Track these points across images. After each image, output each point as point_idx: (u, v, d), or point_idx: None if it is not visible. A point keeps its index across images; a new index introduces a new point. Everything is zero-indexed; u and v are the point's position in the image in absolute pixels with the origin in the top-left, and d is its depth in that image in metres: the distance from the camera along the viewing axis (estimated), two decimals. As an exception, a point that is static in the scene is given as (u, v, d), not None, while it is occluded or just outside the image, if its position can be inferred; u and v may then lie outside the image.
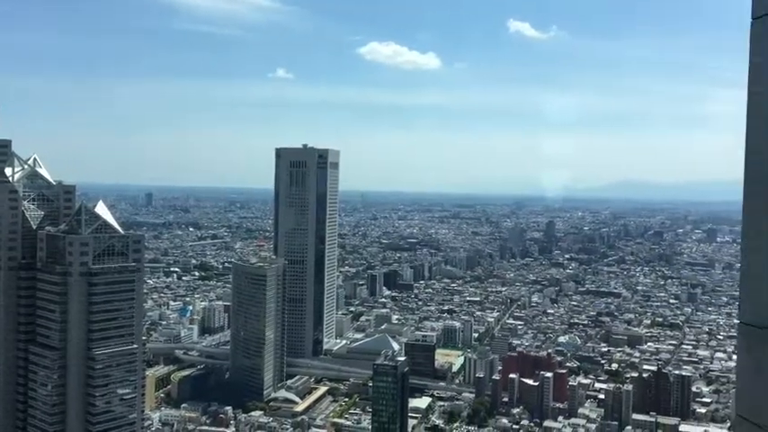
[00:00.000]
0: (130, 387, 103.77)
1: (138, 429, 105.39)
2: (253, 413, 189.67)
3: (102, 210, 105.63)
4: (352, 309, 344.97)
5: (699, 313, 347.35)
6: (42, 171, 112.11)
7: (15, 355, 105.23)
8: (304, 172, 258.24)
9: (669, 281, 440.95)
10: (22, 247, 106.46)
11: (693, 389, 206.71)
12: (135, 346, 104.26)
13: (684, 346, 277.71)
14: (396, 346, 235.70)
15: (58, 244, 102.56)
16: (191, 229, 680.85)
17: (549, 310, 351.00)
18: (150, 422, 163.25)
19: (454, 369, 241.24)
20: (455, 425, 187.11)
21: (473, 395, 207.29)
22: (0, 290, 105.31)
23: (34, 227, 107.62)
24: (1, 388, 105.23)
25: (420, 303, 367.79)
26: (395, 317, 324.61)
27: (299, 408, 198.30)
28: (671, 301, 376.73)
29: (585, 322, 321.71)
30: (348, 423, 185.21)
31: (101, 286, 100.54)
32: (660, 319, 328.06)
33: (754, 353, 6.61)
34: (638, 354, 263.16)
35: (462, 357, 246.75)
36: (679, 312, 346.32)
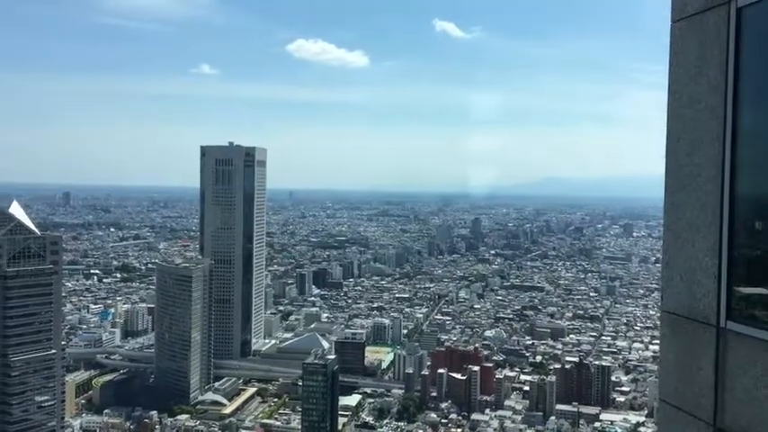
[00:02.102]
0: (49, 394, 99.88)
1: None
2: (179, 417, 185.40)
3: (16, 210, 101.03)
4: (281, 308, 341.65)
5: (617, 305, 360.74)
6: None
7: None
8: (230, 170, 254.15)
9: (589, 274, 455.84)
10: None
11: (613, 378, 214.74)
12: (54, 351, 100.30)
13: (604, 338, 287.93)
14: (325, 344, 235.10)
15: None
16: (112, 229, 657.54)
17: (475, 305, 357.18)
18: (71, 430, 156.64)
19: (384, 366, 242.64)
20: (385, 421, 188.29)
21: (403, 391, 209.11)
22: None
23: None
24: None
25: (349, 301, 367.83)
26: (324, 315, 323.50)
27: (228, 410, 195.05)
28: (591, 294, 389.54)
29: (511, 316, 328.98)
30: (278, 423, 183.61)
31: (16, 290, 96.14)
32: (581, 312, 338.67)
33: (675, 340, 6.93)
34: (560, 346, 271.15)
35: (392, 354, 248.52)
36: (599, 305, 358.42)
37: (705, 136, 6.63)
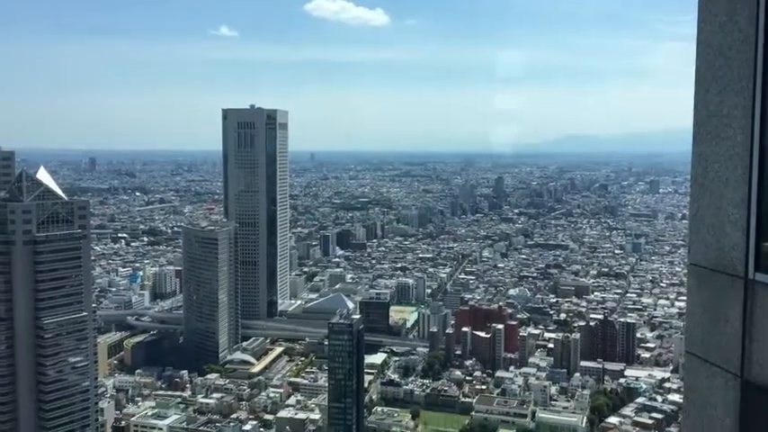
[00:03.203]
0: (82, 355, 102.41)
1: (91, 397, 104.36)
2: (209, 376, 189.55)
3: (43, 176, 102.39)
4: (305, 269, 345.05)
5: (643, 262, 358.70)
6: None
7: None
8: (252, 133, 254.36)
9: (614, 232, 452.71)
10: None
11: (638, 335, 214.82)
12: (85, 313, 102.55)
13: (629, 295, 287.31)
14: (350, 304, 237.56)
15: (0, 212, 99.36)
16: (137, 193, 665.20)
17: (499, 264, 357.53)
18: (104, 389, 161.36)
19: (408, 325, 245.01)
20: (410, 379, 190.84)
21: (427, 349, 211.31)
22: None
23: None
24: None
25: (373, 262, 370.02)
26: (348, 276, 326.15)
27: (256, 369, 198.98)
28: (616, 251, 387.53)
29: (535, 275, 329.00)
30: (305, 382, 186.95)
31: (46, 254, 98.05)
32: (606, 270, 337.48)
33: (702, 292, 6.89)
34: (584, 303, 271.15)
35: (416, 313, 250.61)
36: (624, 262, 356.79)
37: (735, 86, 6.49)
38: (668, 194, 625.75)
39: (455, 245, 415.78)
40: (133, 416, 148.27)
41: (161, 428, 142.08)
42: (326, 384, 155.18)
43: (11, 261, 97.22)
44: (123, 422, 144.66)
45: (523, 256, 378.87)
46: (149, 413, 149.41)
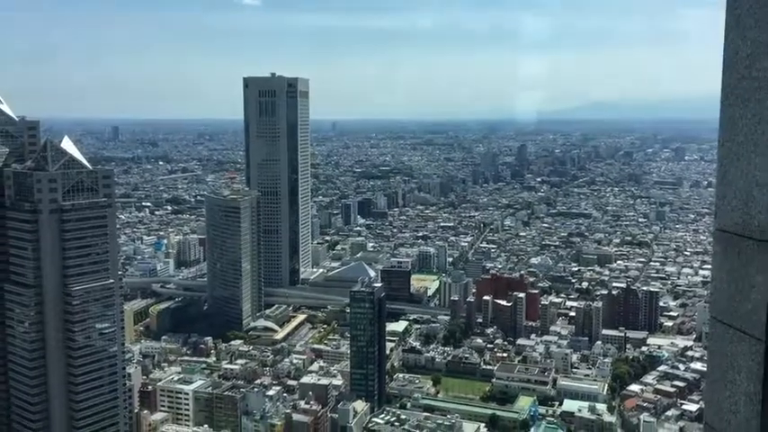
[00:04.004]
0: (109, 321, 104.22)
1: (119, 362, 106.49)
2: (233, 342, 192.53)
3: (68, 145, 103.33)
4: (327, 238, 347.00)
5: (667, 231, 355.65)
6: (4, 107, 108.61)
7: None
8: (273, 101, 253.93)
9: (638, 200, 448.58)
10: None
11: (661, 303, 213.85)
12: (111, 280, 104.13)
13: (653, 263, 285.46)
14: (372, 272, 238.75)
15: (26, 181, 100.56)
16: (160, 162, 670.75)
17: (521, 233, 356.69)
18: (131, 355, 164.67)
19: (429, 293, 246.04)
20: (431, 346, 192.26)
21: (448, 317, 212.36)
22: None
23: (0, 165, 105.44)
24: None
25: (395, 230, 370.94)
26: (370, 244, 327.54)
27: (279, 336, 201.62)
28: (640, 219, 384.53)
29: (557, 243, 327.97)
30: (327, 348, 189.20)
31: (72, 222, 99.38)
32: (629, 238, 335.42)
33: (728, 258, 6.82)
34: (607, 272, 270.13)
35: (437, 281, 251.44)
36: (648, 231, 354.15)
37: (765, 48, 6.32)
38: (694, 162, 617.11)
39: (477, 213, 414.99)
40: (159, 381, 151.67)
41: (187, 393, 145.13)
42: (348, 351, 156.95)
43: (38, 229, 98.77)
44: (150, 387, 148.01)
45: (546, 225, 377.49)
46: (175, 378, 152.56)
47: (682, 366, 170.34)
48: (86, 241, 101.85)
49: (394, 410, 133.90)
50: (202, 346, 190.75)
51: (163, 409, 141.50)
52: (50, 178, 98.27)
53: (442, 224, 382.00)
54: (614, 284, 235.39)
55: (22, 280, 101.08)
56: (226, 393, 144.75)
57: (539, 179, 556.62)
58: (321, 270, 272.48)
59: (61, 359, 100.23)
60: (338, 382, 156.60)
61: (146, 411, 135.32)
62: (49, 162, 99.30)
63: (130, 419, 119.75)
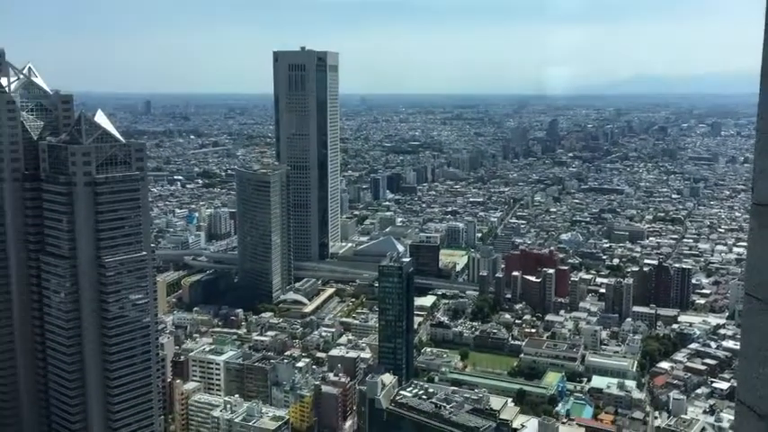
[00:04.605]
0: (142, 292, 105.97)
1: (152, 333, 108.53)
2: (263, 314, 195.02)
3: (101, 119, 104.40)
4: (356, 212, 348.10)
5: (701, 207, 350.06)
6: (38, 80, 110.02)
7: (27, 264, 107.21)
8: (303, 75, 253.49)
9: (672, 176, 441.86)
10: (25, 159, 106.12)
11: (693, 281, 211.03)
12: (144, 253, 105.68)
13: (686, 240, 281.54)
14: (400, 247, 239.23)
15: (61, 154, 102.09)
16: (191, 136, 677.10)
17: (551, 209, 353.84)
18: (164, 326, 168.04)
19: (458, 268, 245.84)
20: (459, 321, 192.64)
21: (477, 293, 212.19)
22: (6, 201, 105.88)
23: (35, 138, 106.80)
24: (16, 296, 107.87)
25: (423, 205, 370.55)
26: (399, 219, 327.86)
27: (308, 308, 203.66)
28: (673, 196, 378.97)
29: (588, 219, 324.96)
30: (356, 322, 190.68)
31: (106, 195, 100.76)
32: (662, 215, 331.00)
33: (765, 233, 6.60)
34: (639, 249, 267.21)
35: (466, 257, 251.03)
36: (681, 207, 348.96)
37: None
38: (730, 137, 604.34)
39: (506, 189, 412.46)
40: (191, 351, 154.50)
41: (218, 364, 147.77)
42: (377, 325, 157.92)
43: (73, 202, 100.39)
44: (182, 357, 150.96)
45: (577, 201, 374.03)
46: (207, 349, 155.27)
47: (713, 344, 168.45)
48: (119, 214, 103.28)
49: (422, 384, 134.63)
50: (233, 317, 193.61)
51: (195, 378, 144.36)
52: (84, 151, 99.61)
53: (471, 199, 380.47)
54: (646, 261, 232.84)
55: (58, 251, 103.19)
56: (256, 364, 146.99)
57: (570, 154, 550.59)
58: (350, 244, 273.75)
59: (96, 329, 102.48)
60: (366, 355, 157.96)
61: (178, 381, 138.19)
62: (83, 135, 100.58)
63: (163, 388, 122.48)
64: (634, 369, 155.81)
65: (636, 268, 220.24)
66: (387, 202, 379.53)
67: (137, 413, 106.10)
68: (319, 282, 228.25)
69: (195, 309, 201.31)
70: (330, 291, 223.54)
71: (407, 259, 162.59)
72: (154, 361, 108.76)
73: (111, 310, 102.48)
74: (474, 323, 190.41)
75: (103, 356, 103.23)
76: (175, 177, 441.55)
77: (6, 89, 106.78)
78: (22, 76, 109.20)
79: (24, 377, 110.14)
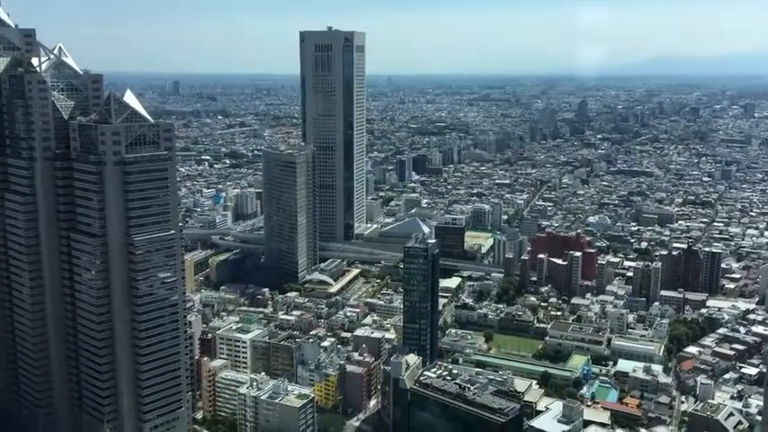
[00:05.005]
0: (170, 271, 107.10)
1: (180, 310, 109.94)
2: (289, 294, 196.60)
3: (130, 99, 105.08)
4: (381, 194, 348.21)
5: (732, 190, 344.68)
6: (69, 60, 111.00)
7: (58, 242, 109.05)
8: (330, 56, 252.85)
9: (703, 158, 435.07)
10: (56, 138, 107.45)
11: (723, 265, 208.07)
12: (172, 232, 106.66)
13: (716, 224, 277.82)
14: (426, 229, 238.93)
15: (91, 134, 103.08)
16: (219, 117, 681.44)
17: (579, 191, 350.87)
18: (192, 304, 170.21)
19: (483, 250, 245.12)
20: (484, 303, 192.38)
21: (502, 275, 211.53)
22: (38, 180, 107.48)
23: (66, 117, 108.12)
24: (47, 274, 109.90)
25: (449, 187, 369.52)
26: (424, 201, 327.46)
27: (333, 289, 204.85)
28: (704, 178, 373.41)
29: (616, 202, 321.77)
30: (380, 303, 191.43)
31: (135, 175, 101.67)
32: (692, 198, 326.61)
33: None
34: (668, 232, 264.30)
35: (491, 239, 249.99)
36: (712, 190, 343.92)
37: None
38: (764, 119, 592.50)
39: (533, 171, 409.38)
40: (218, 329, 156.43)
41: (245, 342, 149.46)
42: (401, 306, 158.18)
43: (103, 181, 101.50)
44: (209, 335, 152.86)
45: (605, 183, 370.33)
46: (233, 327, 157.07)
47: (742, 329, 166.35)
48: (148, 193, 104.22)
49: (446, 365, 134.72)
50: (260, 296, 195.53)
51: (222, 356, 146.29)
52: (114, 131, 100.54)
53: (497, 181, 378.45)
54: (675, 245, 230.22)
55: (88, 230, 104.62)
56: (282, 343, 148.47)
57: (599, 136, 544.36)
58: (375, 225, 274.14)
59: (125, 306, 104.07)
60: (391, 335, 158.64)
61: (206, 358, 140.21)
62: (113, 115, 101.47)
63: (191, 365, 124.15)
64: (661, 353, 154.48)
65: (664, 252, 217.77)
66: (412, 184, 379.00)
67: (165, 389, 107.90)
68: (344, 262, 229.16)
69: (222, 288, 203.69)
70: (355, 271, 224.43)
71: (432, 241, 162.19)
72: (182, 338, 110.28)
73: (141, 287, 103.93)
74: (499, 305, 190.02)
75: (133, 333, 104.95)
76: (203, 157, 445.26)
77: (37, 69, 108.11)
78: (52, 56, 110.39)
79: (56, 354, 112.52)
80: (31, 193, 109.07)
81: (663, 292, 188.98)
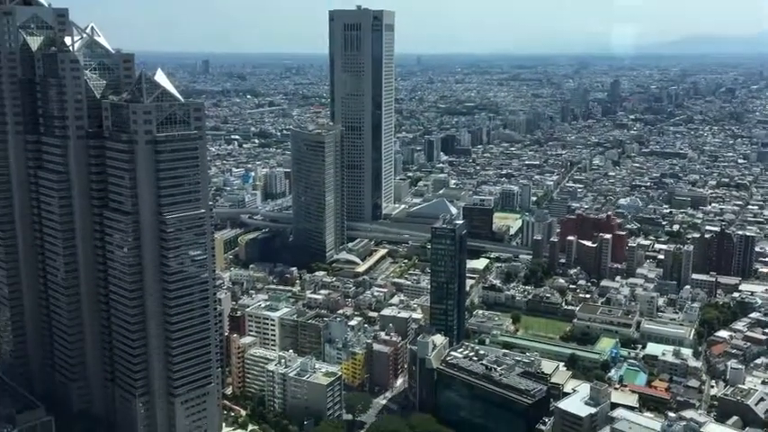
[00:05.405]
0: (201, 249, 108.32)
1: (210, 288, 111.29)
2: (317, 273, 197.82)
3: (161, 78, 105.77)
4: (409, 174, 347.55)
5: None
6: (101, 40, 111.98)
7: (92, 219, 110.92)
8: (359, 35, 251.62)
9: (739, 140, 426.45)
10: (89, 117, 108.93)
11: (757, 249, 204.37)
12: (202, 210, 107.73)
13: (750, 207, 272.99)
14: (453, 209, 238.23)
15: (122, 113, 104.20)
16: (248, 96, 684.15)
17: (610, 173, 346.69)
18: (221, 281, 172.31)
19: (511, 232, 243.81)
20: (512, 284, 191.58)
21: (530, 257, 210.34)
22: (71, 158, 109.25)
23: (98, 96, 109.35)
24: (81, 250, 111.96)
25: (478, 168, 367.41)
26: (452, 181, 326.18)
27: (361, 268, 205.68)
28: (739, 160, 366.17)
29: (648, 184, 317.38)
30: (408, 283, 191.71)
31: (166, 154, 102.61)
32: (726, 180, 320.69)
33: None
34: (701, 215, 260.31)
35: (520, 220, 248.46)
36: (747, 172, 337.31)
37: None
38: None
39: (564, 151, 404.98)
40: (247, 307, 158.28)
41: (273, 320, 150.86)
42: (428, 286, 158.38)
43: (134, 159, 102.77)
44: (239, 312, 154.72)
45: (637, 165, 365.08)
46: (262, 305, 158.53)
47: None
48: (179, 172, 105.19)
49: (472, 345, 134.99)
50: (288, 275, 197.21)
51: (251, 333, 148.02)
52: (145, 110, 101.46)
53: (526, 162, 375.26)
54: (708, 228, 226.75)
55: (121, 207, 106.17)
56: (310, 321, 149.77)
57: (632, 116, 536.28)
58: (403, 206, 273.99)
59: (157, 283, 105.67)
60: (418, 315, 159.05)
61: (235, 335, 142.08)
62: (144, 94, 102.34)
63: (221, 342, 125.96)
64: (691, 337, 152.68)
65: (697, 235, 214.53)
66: (440, 164, 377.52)
67: (196, 365, 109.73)
68: (372, 242, 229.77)
69: (251, 266, 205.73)
70: (382, 251, 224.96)
71: (460, 222, 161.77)
72: (212, 315, 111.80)
73: (172, 265, 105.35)
74: (527, 287, 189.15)
75: (164, 310, 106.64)
76: (232, 137, 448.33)
77: (70, 48, 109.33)
78: (85, 36, 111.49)
79: (89, 330, 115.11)
80: (64, 171, 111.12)
81: (694, 276, 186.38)
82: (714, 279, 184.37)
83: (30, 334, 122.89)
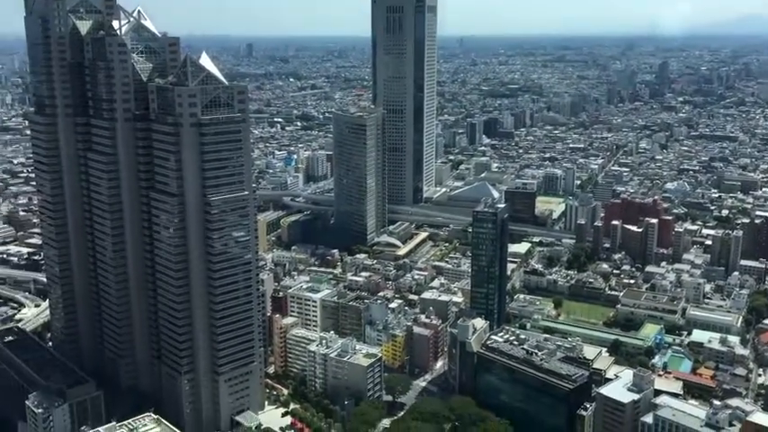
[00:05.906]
0: (244, 230, 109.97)
1: (253, 269, 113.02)
2: (358, 256, 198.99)
3: (205, 61, 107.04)
4: (451, 157, 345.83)
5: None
6: (147, 23, 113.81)
7: (139, 200, 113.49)
8: (401, 17, 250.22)
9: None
10: (136, 100, 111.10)
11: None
12: (246, 192, 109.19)
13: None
14: (495, 193, 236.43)
15: (168, 96, 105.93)
16: (291, 79, 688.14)
17: (657, 156, 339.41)
18: (264, 263, 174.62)
19: (554, 216, 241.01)
20: (554, 269, 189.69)
21: (573, 241, 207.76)
22: (119, 140, 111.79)
23: (144, 79, 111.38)
24: (128, 230, 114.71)
25: (520, 151, 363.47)
26: (495, 165, 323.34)
27: (401, 251, 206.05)
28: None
29: (696, 168, 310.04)
30: (448, 266, 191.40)
31: (210, 136, 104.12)
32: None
33: None
34: (751, 200, 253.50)
35: (563, 204, 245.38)
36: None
37: None
38: None
39: (609, 135, 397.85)
40: (290, 288, 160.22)
41: (315, 301, 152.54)
42: (469, 270, 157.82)
43: (180, 142, 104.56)
44: (281, 293, 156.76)
45: (685, 148, 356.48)
46: (304, 286, 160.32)
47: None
48: (223, 154, 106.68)
49: (513, 330, 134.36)
50: (329, 257, 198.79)
51: (293, 314, 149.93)
52: (190, 93, 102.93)
53: (571, 145, 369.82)
54: (758, 213, 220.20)
55: (167, 189, 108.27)
56: (351, 303, 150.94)
57: (680, 99, 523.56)
58: (444, 189, 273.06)
59: (202, 263, 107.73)
60: (458, 299, 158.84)
61: (277, 315, 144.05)
62: (189, 77, 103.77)
63: (263, 322, 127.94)
64: (739, 325, 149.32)
65: (746, 220, 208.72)
66: (483, 147, 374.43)
67: (239, 344, 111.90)
68: (413, 225, 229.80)
69: (293, 248, 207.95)
70: (423, 235, 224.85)
71: (502, 205, 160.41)
72: (255, 296, 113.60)
73: (216, 246, 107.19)
74: (569, 272, 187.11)
75: (208, 290, 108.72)
76: (275, 120, 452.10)
77: (118, 32, 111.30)
78: (132, 20, 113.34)
79: (137, 308, 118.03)
80: (112, 153, 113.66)
81: (743, 262, 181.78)
82: (764, 266, 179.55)
83: (80, 311, 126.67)
